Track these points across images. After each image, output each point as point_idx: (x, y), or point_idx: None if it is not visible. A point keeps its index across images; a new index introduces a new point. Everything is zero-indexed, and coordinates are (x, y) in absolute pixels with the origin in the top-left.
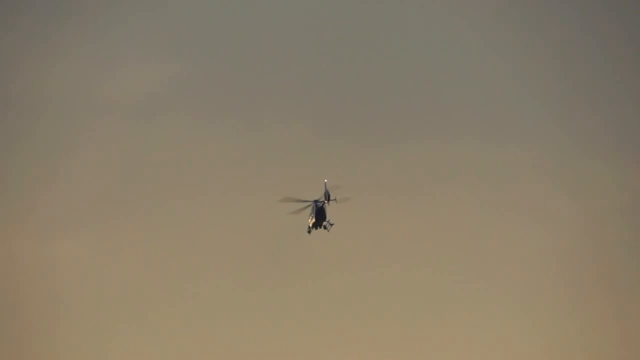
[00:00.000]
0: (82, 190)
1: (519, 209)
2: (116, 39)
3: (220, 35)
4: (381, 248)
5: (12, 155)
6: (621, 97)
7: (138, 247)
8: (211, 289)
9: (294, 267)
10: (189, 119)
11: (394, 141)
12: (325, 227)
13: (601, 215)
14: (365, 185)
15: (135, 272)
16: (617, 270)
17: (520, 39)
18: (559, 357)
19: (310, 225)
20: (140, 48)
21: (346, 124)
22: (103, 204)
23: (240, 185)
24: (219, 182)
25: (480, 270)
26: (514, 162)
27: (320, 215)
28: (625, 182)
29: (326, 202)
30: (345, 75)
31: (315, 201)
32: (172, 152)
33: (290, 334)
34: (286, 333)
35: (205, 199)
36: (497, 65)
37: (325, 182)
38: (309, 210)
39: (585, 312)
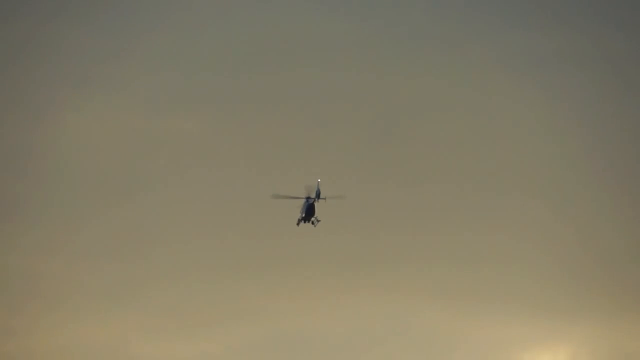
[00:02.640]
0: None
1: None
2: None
3: (221, 33)
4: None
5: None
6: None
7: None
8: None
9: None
10: (189, 114)
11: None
12: (312, 223)
13: None
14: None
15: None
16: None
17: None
18: None
19: (300, 218)
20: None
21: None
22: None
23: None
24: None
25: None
26: None
27: (309, 212)
28: None
29: (316, 200)
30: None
31: (307, 198)
32: (165, 146)
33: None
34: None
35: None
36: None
37: (318, 182)
38: (302, 204)
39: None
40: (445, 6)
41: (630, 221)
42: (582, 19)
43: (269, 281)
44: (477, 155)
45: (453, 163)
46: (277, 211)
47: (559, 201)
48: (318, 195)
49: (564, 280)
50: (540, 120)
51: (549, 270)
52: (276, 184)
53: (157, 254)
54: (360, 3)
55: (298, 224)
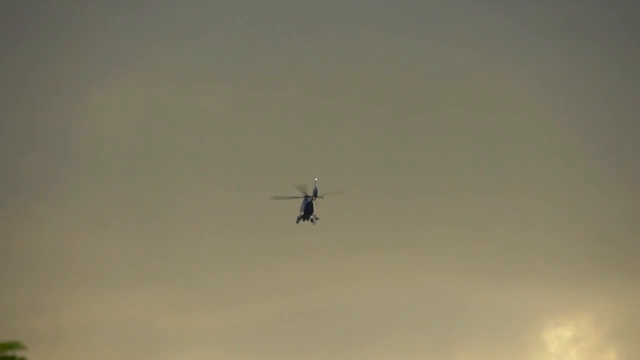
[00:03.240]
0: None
1: None
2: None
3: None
4: None
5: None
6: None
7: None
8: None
9: None
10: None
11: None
12: (312, 220)
13: None
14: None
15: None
16: None
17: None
18: None
19: (299, 217)
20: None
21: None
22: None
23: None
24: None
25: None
26: None
27: (308, 210)
28: None
29: (314, 198)
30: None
31: (305, 197)
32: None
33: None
34: None
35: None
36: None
37: (315, 181)
38: (301, 203)
39: None
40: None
41: None
42: None
43: (297, 255)
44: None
45: (482, 124)
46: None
47: (589, 167)
48: (315, 194)
49: (587, 247)
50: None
51: (573, 238)
52: (301, 159)
53: (186, 229)
54: None
55: (297, 221)
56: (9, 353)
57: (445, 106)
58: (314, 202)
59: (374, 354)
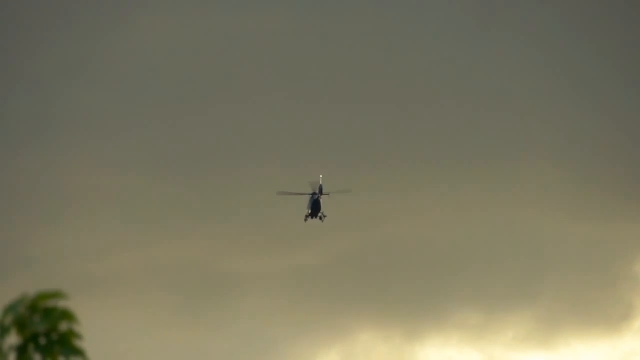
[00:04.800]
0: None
1: None
2: None
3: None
4: None
5: None
6: None
7: None
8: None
9: None
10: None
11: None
12: (320, 218)
13: None
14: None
15: None
16: None
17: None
18: None
19: (307, 215)
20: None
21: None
22: None
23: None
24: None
25: None
26: None
27: (315, 207)
28: None
29: (320, 195)
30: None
31: (312, 194)
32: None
33: None
34: None
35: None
36: None
37: (320, 177)
38: (308, 201)
39: None
40: None
41: None
42: None
43: (366, 189)
44: None
45: None
46: None
47: None
48: (321, 192)
49: None
50: None
51: None
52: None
53: (244, 166)
54: None
55: (306, 220)
56: (51, 303)
57: None
58: (321, 200)
59: (454, 290)
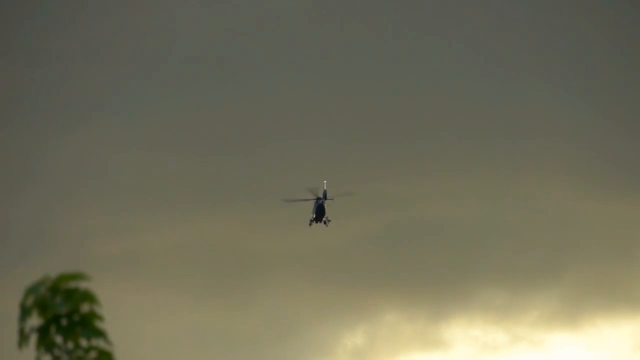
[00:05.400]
0: None
1: None
2: None
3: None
4: None
5: None
6: None
7: None
8: None
9: None
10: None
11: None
12: (325, 222)
13: None
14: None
15: None
16: None
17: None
18: None
19: (312, 219)
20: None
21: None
22: None
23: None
24: None
25: None
26: None
27: (320, 212)
28: None
29: (324, 200)
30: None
31: (317, 199)
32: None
33: None
34: None
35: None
36: None
37: (324, 183)
38: (313, 205)
39: None
40: None
41: None
42: None
43: (396, 168)
44: None
45: None
46: None
47: None
48: (325, 196)
49: None
50: None
51: None
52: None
53: (270, 144)
54: None
55: (310, 224)
56: (72, 285)
57: None
58: (325, 205)
59: (479, 270)
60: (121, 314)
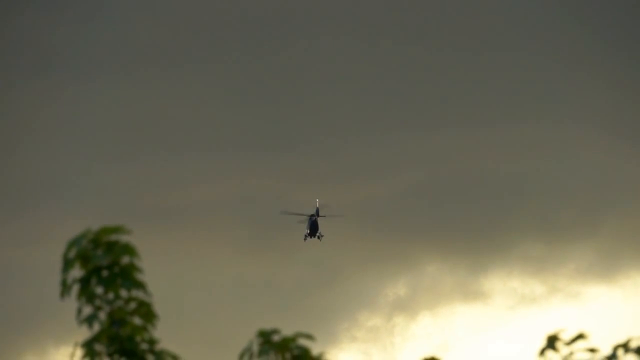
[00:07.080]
0: None
1: None
2: None
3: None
4: None
5: None
6: None
7: None
8: None
9: None
10: None
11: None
12: (318, 237)
13: None
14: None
15: None
16: None
17: None
18: None
19: (306, 234)
20: None
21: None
22: None
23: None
24: None
25: None
26: None
27: (314, 228)
28: None
29: (317, 217)
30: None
31: (310, 216)
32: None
33: None
34: None
35: None
36: None
37: (317, 201)
38: (306, 222)
39: None
40: None
41: None
42: None
43: (431, 125)
44: None
45: None
46: None
47: None
48: (318, 214)
49: None
50: None
51: None
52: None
53: (319, 94)
54: None
55: (305, 239)
56: (113, 237)
57: None
58: (318, 221)
59: (517, 222)
60: (165, 267)
